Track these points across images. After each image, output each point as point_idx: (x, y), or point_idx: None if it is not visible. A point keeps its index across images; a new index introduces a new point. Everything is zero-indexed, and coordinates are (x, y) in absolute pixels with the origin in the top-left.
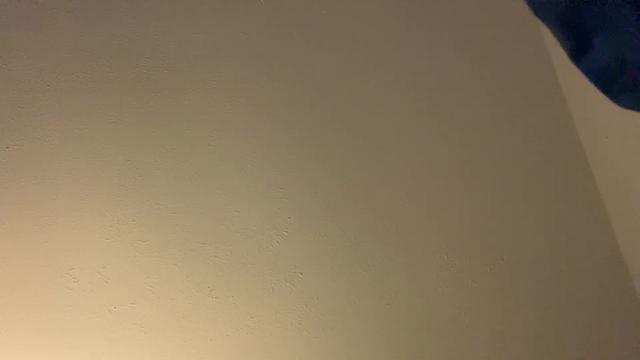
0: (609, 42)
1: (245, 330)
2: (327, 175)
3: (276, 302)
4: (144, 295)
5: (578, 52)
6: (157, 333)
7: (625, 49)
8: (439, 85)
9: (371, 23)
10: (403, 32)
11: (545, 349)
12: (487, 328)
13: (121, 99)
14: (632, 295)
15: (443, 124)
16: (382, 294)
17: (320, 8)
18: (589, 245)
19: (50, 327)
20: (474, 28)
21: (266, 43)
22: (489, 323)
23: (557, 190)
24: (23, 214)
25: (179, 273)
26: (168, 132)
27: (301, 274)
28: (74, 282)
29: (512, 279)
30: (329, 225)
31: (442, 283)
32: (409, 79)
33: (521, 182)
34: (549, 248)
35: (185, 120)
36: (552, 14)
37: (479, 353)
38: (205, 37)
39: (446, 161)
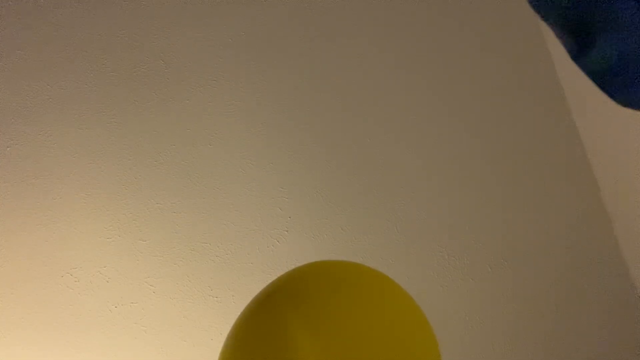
0: (611, 40)
1: None
2: (328, 174)
3: None
4: (144, 295)
5: (579, 51)
6: (157, 332)
7: (626, 47)
8: (439, 84)
9: (373, 20)
10: (406, 29)
11: (545, 348)
12: (487, 327)
13: (122, 98)
14: (632, 296)
15: (444, 122)
16: None
17: (321, 6)
18: (589, 245)
19: (51, 326)
20: (474, 25)
21: (266, 42)
22: (489, 322)
23: (557, 189)
24: (24, 213)
25: (179, 272)
26: (168, 131)
27: None
28: (75, 281)
29: (512, 278)
30: (330, 225)
31: (442, 282)
32: (410, 79)
33: (522, 181)
34: (549, 247)
35: (186, 119)
36: (553, 12)
37: (479, 352)
38: (206, 36)
39: (447, 160)
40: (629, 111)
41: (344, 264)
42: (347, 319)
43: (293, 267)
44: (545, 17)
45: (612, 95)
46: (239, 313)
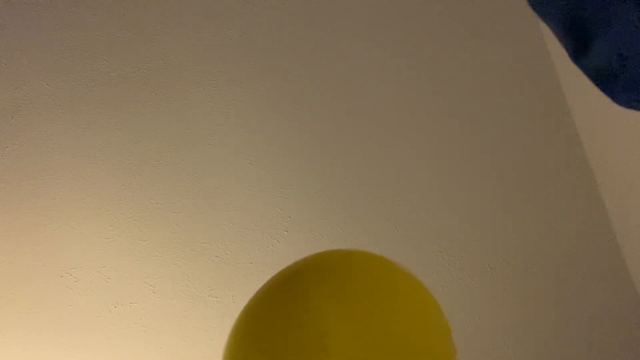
0: (610, 40)
1: None
2: (328, 174)
3: None
4: (144, 295)
5: (578, 51)
6: (157, 332)
7: (626, 47)
8: (439, 85)
9: (374, 20)
10: (406, 29)
11: (545, 348)
12: (486, 327)
13: (121, 98)
14: (632, 295)
15: (444, 123)
16: None
17: (321, 7)
18: (589, 245)
19: (51, 326)
20: (473, 25)
21: (266, 42)
22: (488, 322)
23: (557, 189)
24: (23, 214)
25: (179, 272)
26: (168, 131)
27: None
28: (74, 281)
29: (512, 279)
30: (330, 225)
31: (442, 282)
32: (411, 79)
33: (521, 182)
34: (549, 247)
35: (186, 119)
36: (552, 12)
37: (479, 352)
38: (205, 36)
39: (447, 160)
40: (629, 112)
41: (359, 252)
42: (370, 294)
43: None
44: (544, 17)
45: (612, 96)
46: (238, 313)
